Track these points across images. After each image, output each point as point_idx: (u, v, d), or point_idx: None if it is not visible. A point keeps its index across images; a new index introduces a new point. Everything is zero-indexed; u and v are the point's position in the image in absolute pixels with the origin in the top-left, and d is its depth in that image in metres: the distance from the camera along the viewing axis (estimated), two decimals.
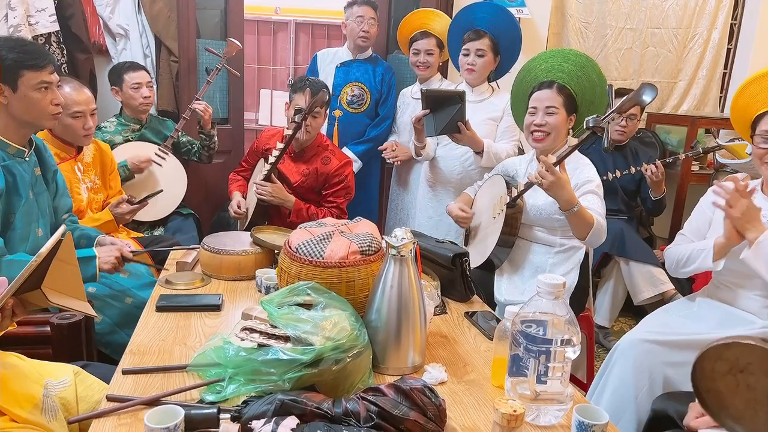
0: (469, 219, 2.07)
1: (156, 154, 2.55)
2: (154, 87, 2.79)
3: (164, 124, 2.74)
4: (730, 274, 1.63)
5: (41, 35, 2.48)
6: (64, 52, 2.59)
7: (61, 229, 1.04)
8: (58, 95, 1.63)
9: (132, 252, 1.66)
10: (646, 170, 2.79)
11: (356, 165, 2.80)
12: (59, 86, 1.66)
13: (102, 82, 2.80)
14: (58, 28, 2.53)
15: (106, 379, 1.21)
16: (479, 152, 2.24)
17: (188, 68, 2.95)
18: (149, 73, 2.65)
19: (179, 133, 2.63)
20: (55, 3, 2.52)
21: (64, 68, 2.58)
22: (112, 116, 2.64)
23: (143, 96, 2.55)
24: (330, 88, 2.77)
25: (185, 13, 2.88)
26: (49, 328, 1.40)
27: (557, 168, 1.68)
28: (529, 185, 1.81)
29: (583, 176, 1.85)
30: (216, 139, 2.78)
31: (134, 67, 2.58)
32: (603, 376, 1.63)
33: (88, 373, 1.25)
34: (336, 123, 2.89)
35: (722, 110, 3.93)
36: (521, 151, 2.55)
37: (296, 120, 2.19)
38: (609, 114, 1.65)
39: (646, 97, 1.62)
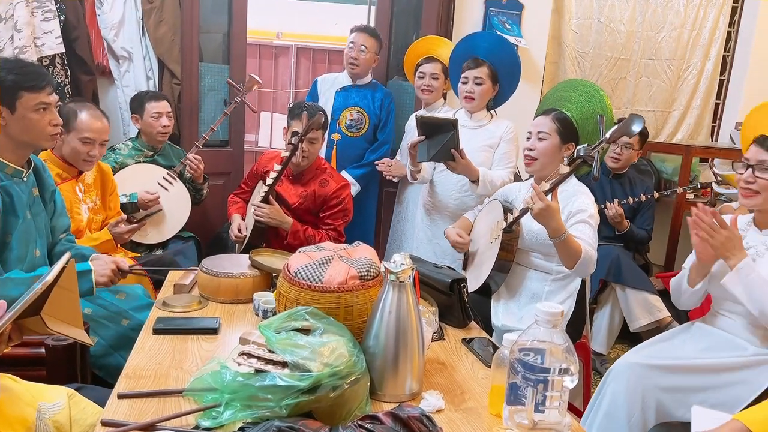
0: (465, 245, 2.08)
1: (164, 178, 2.57)
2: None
3: (176, 151, 2.76)
4: (725, 302, 1.65)
5: (46, 57, 2.51)
6: (68, 73, 2.63)
7: (66, 256, 1.04)
8: (57, 116, 1.63)
9: (130, 267, 1.66)
10: (608, 210, 2.81)
11: (354, 188, 2.83)
12: (57, 107, 1.66)
13: (104, 104, 2.83)
14: (63, 50, 2.57)
15: (100, 403, 1.20)
16: (475, 181, 2.26)
17: (190, 91, 2.98)
18: (170, 103, 2.67)
19: (183, 166, 2.65)
20: (61, 25, 2.56)
21: (67, 89, 2.61)
22: (127, 139, 2.66)
23: (162, 125, 2.57)
24: (329, 112, 2.81)
25: (189, 36, 2.92)
26: (44, 350, 1.39)
27: (549, 196, 1.70)
28: (524, 211, 1.83)
29: (577, 205, 1.85)
30: (205, 192, 2.77)
31: (156, 96, 2.61)
32: (597, 400, 1.63)
33: (83, 396, 1.24)
34: (334, 146, 2.92)
35: (715, 140, 3.99)
36: (518, 178, 2.58)
37: (293, 143, 2.21)
38: (598, 144, 1.68)
39: (635, 128, 1.66)
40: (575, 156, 1.72)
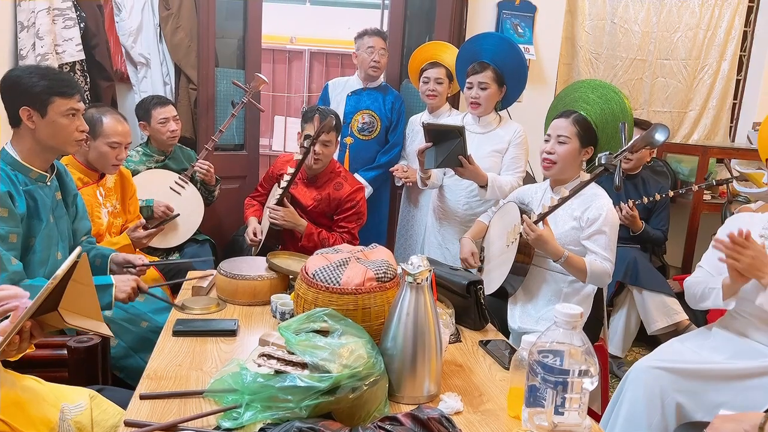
0: (474, 267, 2.10)
1: (176, 182, 2.60)
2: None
3: (186, 154, 2.80)
4: (746, 304, 1.62)
5: (67, 63, 2.56)
6: (87, 79, 2.67)
7: (77, 250, 1.05)
8: (84, 123, 1.68)
9: (150, 288, 1.66)
10: (621, 210, 2.79)
11: (367, 191, 2.83)
12: (84, 114, 1.70)
13: (123, 109, 2.87)
14: (83, 57, 2.62)
15: (121, 404, 1.22)
16: (484, 186, 2.25)
17: (207, 96, 3.02)
18: (175, 107, 2.70)
19: (194, 170, 2.68)
20: (81, 33, 2.61)
21: (87, 96, 2.65)
22: (137, 146, 2.70)
23: (170, 130, 2.61)
24: (341, 116, 2.82)
25: (205, 42, 2.96)
26: (66, 351, 1.42)
27: (540, 224, 1.78)
28: (542, 216, 1.83)
29: (595, 211, 1.83)
30: (216, 194, 2.81)
31: (162, 102, 2.64)
32: (615, 405, 1.61)
33: (104, 397, 1.26)
34: (347, 150, 2.94)
35: (732, 140, 3.94)
36: (530, 178, 2.56)
37: (305, 146, 2.23)
38: (621, 152, 1.66)
39: (659, 137, 1.64)
40: (596, 164, 1.71)
